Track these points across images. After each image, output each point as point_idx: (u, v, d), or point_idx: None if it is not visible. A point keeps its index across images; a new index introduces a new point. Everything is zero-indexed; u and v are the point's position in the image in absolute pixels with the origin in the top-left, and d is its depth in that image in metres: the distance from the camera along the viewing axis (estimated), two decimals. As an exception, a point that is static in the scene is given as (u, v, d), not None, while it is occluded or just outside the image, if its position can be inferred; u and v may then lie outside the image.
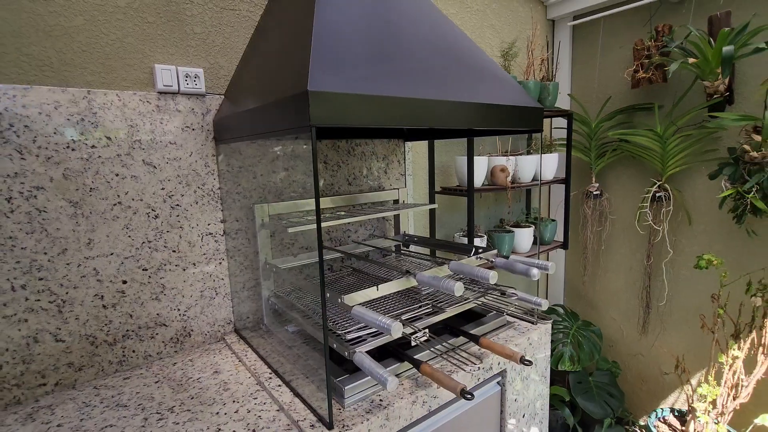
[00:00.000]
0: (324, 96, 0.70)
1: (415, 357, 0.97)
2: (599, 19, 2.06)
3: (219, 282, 1.23)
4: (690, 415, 1.66)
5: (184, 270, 1.16)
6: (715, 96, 1.65)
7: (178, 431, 0.83)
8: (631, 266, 2.11)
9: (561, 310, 2.29)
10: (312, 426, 0.82)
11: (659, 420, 1.83)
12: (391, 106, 0.80)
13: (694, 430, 1.63)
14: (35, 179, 0.94)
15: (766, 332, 1.49)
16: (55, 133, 0.96)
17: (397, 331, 0.81)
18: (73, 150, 0.98)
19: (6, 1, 0.89)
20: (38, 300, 0.96)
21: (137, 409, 0.91)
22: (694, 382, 1.92)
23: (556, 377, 2.18)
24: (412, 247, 1.56)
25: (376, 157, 1.53)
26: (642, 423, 2.14)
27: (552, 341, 2.12)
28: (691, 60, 1.61)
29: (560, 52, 2.19)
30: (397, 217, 1.58)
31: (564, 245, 2.05)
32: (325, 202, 1.36)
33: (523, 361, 0.97)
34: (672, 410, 1.87)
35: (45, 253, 0.96)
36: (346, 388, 0.88)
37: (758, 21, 1.59)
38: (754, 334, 1.53)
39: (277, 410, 0.89)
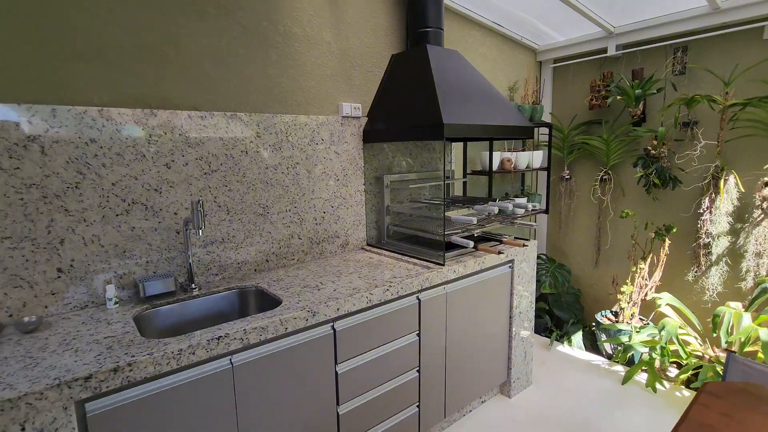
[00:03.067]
0: (448, 126, 1.77)
1: (477, 245, 2.05)
2: (570, 65, 3.15)
3: (361, 217, 2.28)
4: (620, 310, 2.77)
5: (347, 209, 2.22)
6: (635, 117, 2.76)
7: (369, 272, 1.89)
8: (588, 225, 3.22)
9: (544, 257, 3.40)
10: (432, 264, 1.89)
11: (602, 316, 2.94)
12: (468, 128, 1.87)
13: (621, 316, 2.74)
14: (294, 158, 1.99)
15: (655, 252, 2.61)
16: (306, 136, 2.01)
17: (472, 225, 1.89)
18: (308, 144, 2.03)
19: (287, 77, 1.94)
20: (292, 217, 2.01)
21: (331, 272, 1.97)
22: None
23: (541, 298, 3.28)
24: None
25: (437, 153, 2.60)
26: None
27: (537, 280, 3.21)
28: (619, 97, 2.71)
29: (545, 85, 3.29)
30: (448, 186, 2.65)
31: (546, 211, 3.14)
32: (411, 176, 2.43)
33: (524, 245, 2.06)
34: (610, 311, 2.99)
35: (296, 195, 2.01)
36: (447, 253, 1.95)
37: (659, 73, 2.70)
38: (652, 254, 2.65)
39: (411, 264, 1.96)
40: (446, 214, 2.03)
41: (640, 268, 2.67)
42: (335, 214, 2.18)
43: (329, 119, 2.10)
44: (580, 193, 3.24)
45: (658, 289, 2.75)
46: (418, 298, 1.82)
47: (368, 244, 2.33)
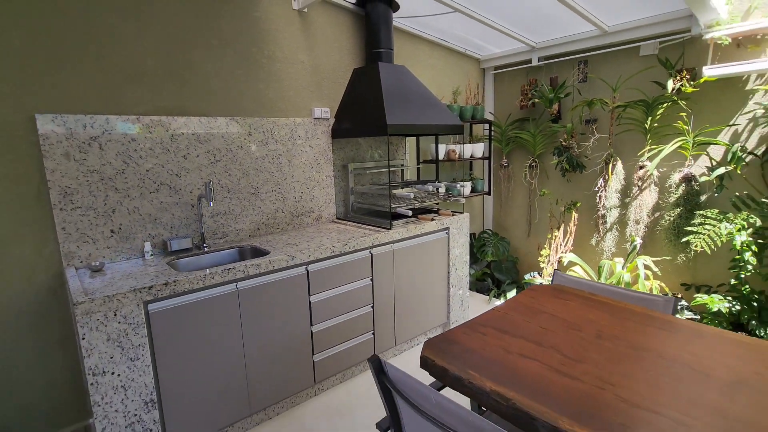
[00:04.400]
0: (391, 126, 2.42)
1: (417, 215, 2.72)
2: (506, 72, 3.83)
3: (331, 196, 2.93)
4: (540, 269, 3.48)
5: (320, 190, 2.86)
6: (552, 116, 3.45)
7: (336, 239, 2.55)
8: (522, 204, 3.92)
9: (489, 231, 4.09)
10: (382, 229, 2.55)
11: (531, 276, 3.66)
12: (410, 127, 2.53)
13: (542, 273, 3.46)
14: (278, 151, 2.62)
15: (566, 223, 3.32)
16: (286, 134, 2.64)
17: (410, 198, 2.55)
18: (288, 140, 2.67)
19: (271, 89, 2.57)
20: (276, 196, 2.65)
21: (307, 236, 2.62)
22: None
23: (486, 266, 3.98)
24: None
25: (392, 146, 3.26)
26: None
27: (482, 250, 3.90)
28: (538, 99, 3.40)
29: (486, 88, 3.96)
30: (402, 171, 3.31)
31: (488, 193, 3.84)
32: (371, 164, 3.09)
33: (454, 213, 2.74)
34: (537, 273, 3.70)
35: (280, 179, 2.65)
36: (394, 221, 2.62)
37: (569, 81, 3.39)
38: (564, 224, 3.36)
39: (368, 229, 2.61)
40: (395, 192, 2.70)
41: (555, 236, 3.38)
42: (310, 194, 2.82)
43: (304, 120, 2.73)
44: (515, 177, 3.93)
45: (574, 252, 3.46)
46: (370, 252, 2.48)
47: (337, 218, 2.98)
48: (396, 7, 2.85)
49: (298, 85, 2.69)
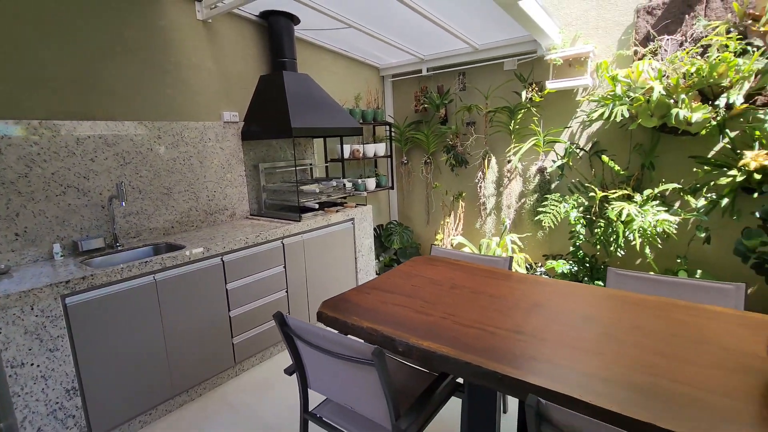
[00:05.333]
0: (295, 129, 2.72)
1: (324, 208, 3.05)
2: (402, 79, 4.32)
3: (244, 194, 3.14)
4: (437, 251, 4.03)
5: (233, 189, 3.06)
6: (441, 119, 4.01)
7: (247, 232, 2.79)
8: (421, 196, 4.45)
9: (395, 222, 4.57)
10: (292, 221, 2.85)
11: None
12: (313, 129, 2.85)
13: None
14: (189, 153, 2.78)
15: (456, 211, 3.90)
16: (197, 137, 2.80)
17: (315, 193, 2.89)
18: (199, 142, 2.83)
19: (180, 94, 2.72)
20: (189, 195, 2.81)
21: (222, 231, 2.84)
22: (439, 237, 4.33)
23: (393, 253, 4.45)
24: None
25: (301, 146, 3.55)
26: (432, 271, 4.53)
27: (390, 238, 4.36)
28: (428, 105, 3.93)
29: (386, 93, 4.43)
30: (311, 169, 3.62)
31: (392, 188, 4.31)
32: (281, 163, 3.35)
33: (358, 205, 3.12)
34: (437, 255, 4.24)
35: (192, 179, 2.81)
36: (303, 214, 2.93)
37: (452, 89, 3.97)
38: (453, 212, 3.94)
39: (280, 223, 2.89)
40: (303, 188, 3.00)
41: (447, 222, 3.95)
42: (223, 193, 3.01)
43: (214, 124, 2.91)
44: (414, 173, 4.45)
45: (462, 235, 4.06)
46: (282, 243, 2.76)
47: (251, 214, 3.21)
48: (297, 21, 3.15)
49: (207, 91, 2.87)
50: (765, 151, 2.39)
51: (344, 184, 3.38)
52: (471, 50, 3.64)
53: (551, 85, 3.17)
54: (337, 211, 3.08)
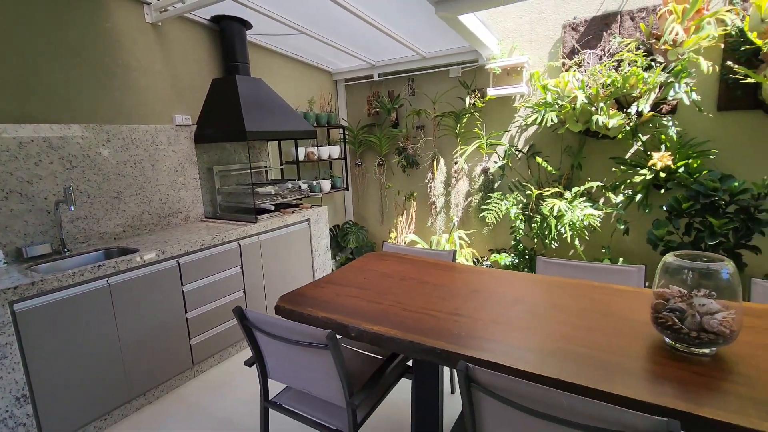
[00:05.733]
0: (250, 132, 2.79)
1: (280, 209, 3.13)
2: (354, 84, 4.46)
3: (198, 197, 3.15)
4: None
5: (187, 192, 3.06)
6: (392, 122, 4.19)
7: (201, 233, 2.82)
8: (375, 197, 4.62)
9: (350, 222, 4.70)
10: (248, 222, 2.90)
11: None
12: (267, 133, 2.92)
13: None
14: (140, 156, 2.76)
15: (408, 210, 4.09)
16: (148, 140, 2.79)
17: (271, 194, 2.96)
18: (150, 145, 2.82)
19: (129, 97, 2.70)
20: (141, 199, 2.79)
21: (176, 234, 2.85)
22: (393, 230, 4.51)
23: (350, 252, 4.57)
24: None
25: (256, 149, 3.59)
26: (387, 268, 4.70)
27: (346, 238, 4.48)
28: (379, 110, 4.10)
29: (339, 97, 4.55)
30: (266, 172, 3.68)
31: (347, 189, 4.44)
32: (236, 166, 3.38)
33: (314, 206, 3.23)
34: (391, 253, 4.42)
35: (143, 182, 2.79)
36: (259, 216, 2.99)
37: (403, 94, 4.16)
38: (405, 211, 4.13)
39: (236, 224, 2.93)
40: (259, 190, 3.07)
41: (400, 221, 4.13)
42: (177, 196, 3.01)
43: (166, 127, 2.91)
44: (368, 174, 4.61)
45: (415, 232, 4.27)
46: (239, 244, 2.81)
47: (206, 217, 3.22)
48: (249, 26, 3.21)
49: (158, 94, 2.86)
50: (668, 153, 2.77)
51: (299, 186, 3.47)
52: (419, 58, 3.85)
53: (492, 92, 3.44)
54: (293, 212, 3.17)
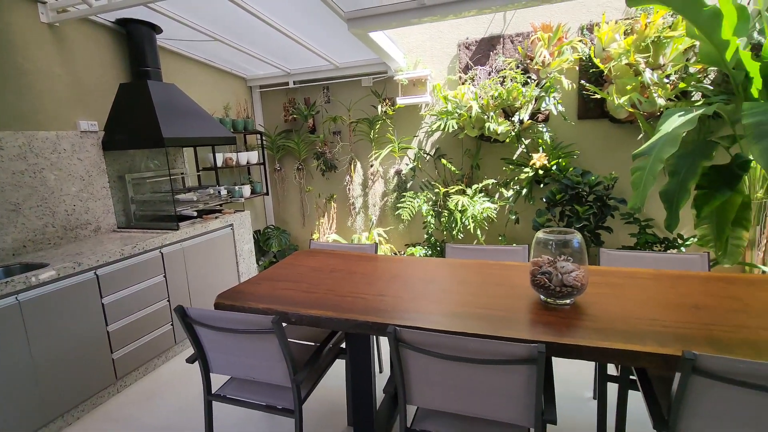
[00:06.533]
0: (168, 139, 2.77)
1: (202, 216, 3.12)
2: (270, 90, 4.54)
3: (109, 207, 3.01)
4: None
5: (95, 201, 2.91)
6: (310, 128, 4.36)
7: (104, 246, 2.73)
8: (296, 200, 4.74)
9: (272, 226, 4.75)
10: (169, 230, 2.87)
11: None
12: (185, 139, 2.92)
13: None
14: (40, 165, 2.58)
15: (329, 212, 4.30)
16: (49, 147, 2.61)
17: (193, 201, 2.96)
18: (52, 153, 2.65)
19: (25, 101, 2.52)
20: (44, 210, 2.61)
21: (88, 247, 2.72)
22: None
23: (273, 256, 4.62)
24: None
25: (171, 156, 3.51)
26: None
27: (268, 242, 4.52)
28: (296, 116, 4.25)
29: (255, 103, 4.59)
30: (183, 179, 3.61)
31: (267, 194, 4.49)
32: (150, 173, 3.28)
33: (237, 211, 3.27)
34: (314, 254, 4.59)
35: (45, 193, 2.61)
36: (181, 222, 2.96)
37: (319, 101, 4.35)
38: (326, 213, 4.33)
39: (156, 233, 2.87)
40: (179, 197, 3.03)
41: (322, 222, 4.32)
42: (85, 206, 2.85)
43: (69, 133, 2.75)
44: (288, 179, 4.71)
45: (336, 233, 4.48)
46: (161, 252, 2.77)
47: (119, 227, 3.08)
48: (159, 30, 3.15)
49: (58, 98, 2.70)
50: (544, 154, 3.36)
51: (219, 192, 3.48)
52: (333, 67, 4.08)
53: (401, 101, 3.80)
54: (216, 218, 3.18)
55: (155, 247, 2.73)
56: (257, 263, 4.47)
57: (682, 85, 2.88)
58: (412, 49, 3.87)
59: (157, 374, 2.75)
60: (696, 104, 2.91)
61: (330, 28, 3.15)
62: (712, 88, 2.90)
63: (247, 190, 4.04)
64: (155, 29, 3.10)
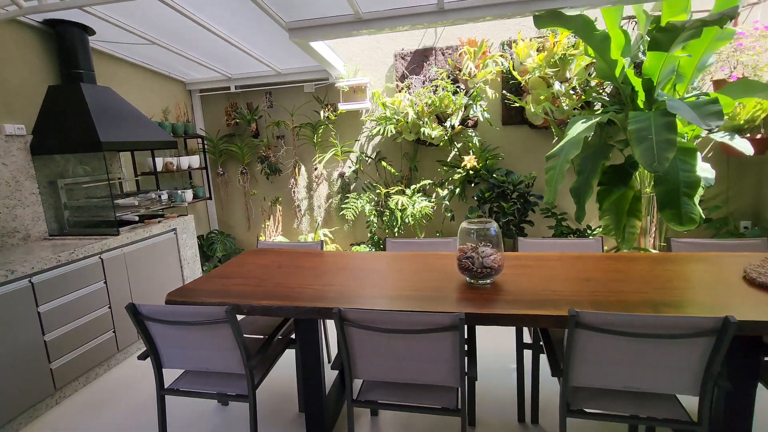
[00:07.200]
0: (106, 143, 2.73)
1: (144, 220, 3.09)
2: (211, 95, 4.52)
3: (39, 214, 2.89)
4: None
5: (24, 209, 2.79)
6: (253, 132, 4.40)
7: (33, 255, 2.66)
8: (240, 204, 4.74)
9: (216, 231, 4.71)
10: (109, 236, 2.82)
11: (255, 261, 4.54)
12: (125, 144, 2.89)
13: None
14: (-37, 171, 2.45)
15: (274, 214, 4.37)
16: (-32, 153, 2.48)
17: (134, 206, 2.93)
18: (-25, 160, 2.52)
19: (-55, 105, 2.38)
20: (-31, 218, 2.47)
21: (19, 256, 2.63)
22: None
23: (218, 261, 4.59)
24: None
25: (107, 160, 3.42)
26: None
27: (212, 247, 4.49)
28: (239, 120, 4.28)
29: (195, 107, 4.55)
30: (121, 183, 3.52)
31: (210, 198, 4.46)
32: (85, 178, 3.19)
33: (180, 215, 3.26)
34: (260, 257, 4.62)
35: (-31, 200, 2.48)
36: (122, 227, 2.92)
37: (261, 106, 4.42)
38: (272, 215, 4.40)
39: (95, 239, 2.81)
40: (119, 201, 2.98)
41: (267, 225, 4.38)
42: (12, 214, 2.73)
43: (-6, 138, 2.63)
44: (232, 183, 4.71)
45: (282, 234, 4.55)
46: (100, 258, 2.73)
47: (51, 235, 2.96)
48: (92, 32, 3.09)
49: (-20, 102, 2.58)
50: (474, 156, 3.71)
51: (161, 196, 3.44)
52: (275, 73, 4.17)
53: (342, 107, 3.99)
54: (159, 222, 3.16)
55: (95, 252, 2.68)
56: (202, 268, 4.43)
57: (584, 96, 3.35)
58: (352, 58, 4.08)
59: (100, 383, 2.69)
60: (596, 113, 3.39)
61: (272, 35, 3.26)
62: (608, 99, 3.40)
63: (189, 194, 4.01)
64: (87, 31, 3.04)
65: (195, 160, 4.21)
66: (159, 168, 3.77)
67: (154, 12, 2.81)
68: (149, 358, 1.80)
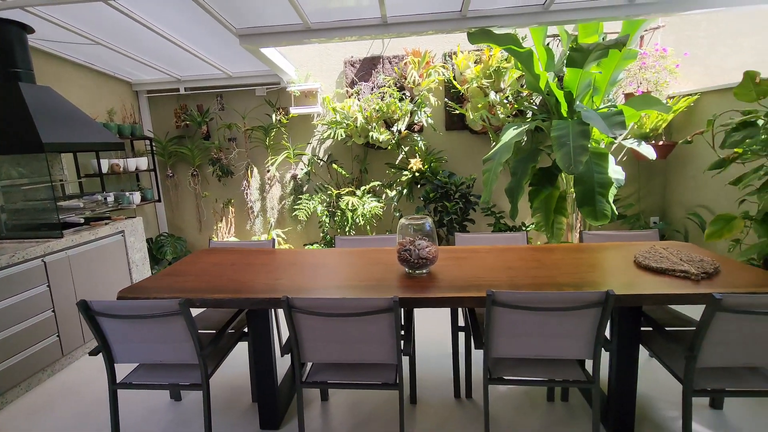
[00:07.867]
0: (48, 144, 2.70)
1: (90, 223, 3.05)
2: (159, 96, 4.47)
3: (-26, 217, 2.78)
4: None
5: (-43, 211, 2.68)
6: (203, 134, 4.41)
7: (-2, 249, 2.59)
8: (191, 206, 4.72)
9: (165, 234, 4.65)
10: (52, 239, 2.78)
11: (207, 263, 4.53)
12: (68, 145, 2.85)
13: (215, 258, 4.39)
14: None
15: (226, 216, 4.40)
16: None
17: (79, 208, 2.90)
18: None
19: None
20: None
21: (-31, 252, 2.54)
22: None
23: (168, 264, 4.53)
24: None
25: (49, 161, 3.32)
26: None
27: (161, 250, 4.43)
28: (189, 122, 4.28)
29: (142, 109, 4.48)
30: (63, 186, 3.43)
31: (159, 200, 4.41)
32: (23, 180, 3.09)
33: (128, 218, 3.25)
34: (213, 259, 4.62)
35: None
36: (66, 230, 2.87)
37: (212, 108, 4.44)
38: (224, 217, 4.42)
39: (36, 242, 2.76)
40: (63, 204, 2.94)
41: (220, 227, 4.40)
42: (-56, 217, 2.62)
43: None
44: (182, 185, 4.67)
45: (235, 236, 4.58)
46: (43, 261, 2.68)
47: (-13, 238, 2.86)
48: (30, 30, 3.02)
49: None
50: (420, 159, 3.96)
51: (106, 199, 3.40)
52: (226, 76, 4.22)
53: (294, 110, 4.11)
54: (106, 224, 3.12)
55: (36, 256, 2.64)
56: (151, 271, 4.37)
57: (516, 105, 3.69)
58: (304, 64, 4.21)
59: (44, 388, 2.64)
60: (527, 121, 3.75)
61: (222, 40, 3.33)
62: (537, 108, 3.77)
63: (137, 197, 3.96)
64: (26, 29, 2.97)
65: (143, 162, 4.15)
66: (104, 170, 3.71)
67: (99, 13, 2.81)
68: (101, 354, 1.85)
